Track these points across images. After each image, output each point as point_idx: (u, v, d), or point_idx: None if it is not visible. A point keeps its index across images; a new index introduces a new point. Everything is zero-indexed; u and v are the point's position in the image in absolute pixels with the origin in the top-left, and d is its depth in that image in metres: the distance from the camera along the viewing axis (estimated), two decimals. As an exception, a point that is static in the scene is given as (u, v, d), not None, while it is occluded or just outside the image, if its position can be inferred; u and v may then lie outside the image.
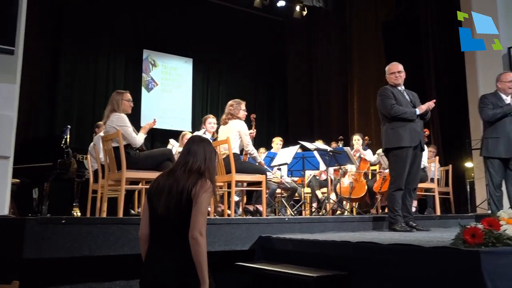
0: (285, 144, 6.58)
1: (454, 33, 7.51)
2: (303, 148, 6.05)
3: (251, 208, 4.60)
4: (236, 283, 3.30)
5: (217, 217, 4.25)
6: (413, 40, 8.47)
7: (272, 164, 5.49)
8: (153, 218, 2.15)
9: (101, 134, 4.47)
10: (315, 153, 5.66)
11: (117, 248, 2.91)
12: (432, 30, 8.13)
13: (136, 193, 4.57)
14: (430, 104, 4.23)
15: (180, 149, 5.10)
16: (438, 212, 5.84)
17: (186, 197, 2.06)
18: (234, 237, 3.31)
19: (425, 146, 6.06)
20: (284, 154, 5.40)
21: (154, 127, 9.09)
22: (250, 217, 4.12)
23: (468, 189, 7.40)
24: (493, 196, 4.46)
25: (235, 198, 5.09)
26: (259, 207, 4.49)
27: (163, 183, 2.15)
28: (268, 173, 5.95)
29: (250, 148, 4.54)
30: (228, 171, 4.30)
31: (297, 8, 9.90)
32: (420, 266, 2.31)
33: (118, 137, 3.79)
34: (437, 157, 6.27)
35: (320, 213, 5.64)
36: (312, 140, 6.73)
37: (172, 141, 5.45)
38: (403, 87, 4.38)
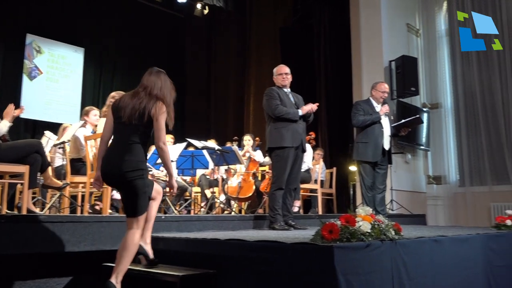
0: (178, 142, 6.43)
1: (344, 43, 8.07)
2: (195, 146, 5.96)
3: (130, 206, 4.38)
4: (103, 285, 3.14)
5: (85, 214, 3.99)
6: (307, 48, 8.83)
7: (158, 162, 5.30)
8: (117, 125, 2.80)
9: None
10: (205, 152, 5.59)
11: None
12: (324, 39, 8.55)
13: (-1, 188, 4.11)
14: (313, 106, 4.37)
15: (56, 142, 4.70)
16: (321, 212, 6.11)
17: (147, 114, 2.73)
18: (103, 236, 3.11)
19: (311, 149, 6.37)
20: (170, 151, 5.21)
21: (37, 119, 8.52)
22: (126, 215, 3.92)
23: (351, 191, 7.89)
24: (365, 197, 4.77)
25: (116, 195, 4.84)
26: (139, 205, 4.29)
27: (128, 100, 2.80)
28: (155, 171, 5.76)
29: None
30: (106, 167, 4.05)
31: (198, 6, 9.79)
32: (281, 261, 2.35)
33: (-27, 125, 3.37)
34: (321, 159, 6.56)
35: (207, 213, 5.58)
36: (207, 140, 6.66)
37: (48, 133, 5.01)
38: (289, 89, 4.50)
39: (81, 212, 4.49)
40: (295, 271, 2.28)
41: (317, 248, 2.19)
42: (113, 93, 4.48)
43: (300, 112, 4.28)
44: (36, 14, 8.77)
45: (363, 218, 2.43)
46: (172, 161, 5.12)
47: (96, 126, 4.81)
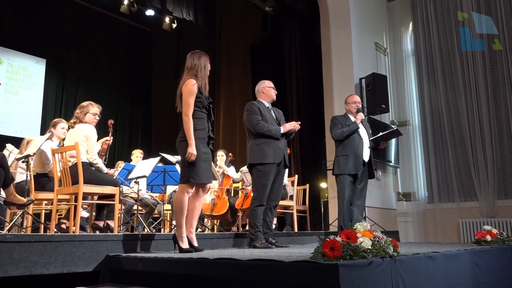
0: (147, 158, 6.16)
1: (314, 60, 8.09)
2: (165, 161, 5.71)
3: (101, 224, 4.09)
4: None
5: (55, 233, 3.67)
6: (278, 64, 8.81)
7: (130, 177, 5.02)
8: None
9: None
10: (177, 167, 5.36)
11: None
12: (295, 56, 8.56)
13: None
14: (296, 125, 4.26)
15: (19, 156, 4.35)
16: (296, 230, 5.97)
17: (180, 93, 3.36)
18: (76, 257, 2.83)
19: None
20: (143, 166, 4.97)
21: (-5, 132, 7.96)
22: (98, 233, 3.64)
23: (322, 208, 7.82)
24: (342, 212, 4.68)
25: (83, 213, 4.52)
26: (111, 223, 4.02)
27: None
28: (124, 187, 5.46)
29: (93, 155, 4.06)
30: (76, 182, 3.77)
31: (167, 19, 9.60)
32: (280, 281, 2.18)
33: None
34: (296, 176, 6.44)
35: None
36: (176, 155, 6.42)
37: (9, 146, 4.64)
38: (270, 104, 4.39)
39: (45, 231, 4.15)
40: (295, 292, 2.11)
41: (320, 267, 2.03)
42: (81, 103, 4.26)
43: (282, 130, 4.16)
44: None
45: (363, 234, 2.31)
46: (144, 176, 4.90)
47: (63, 139, 4.51)
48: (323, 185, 7.97)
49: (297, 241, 4.75)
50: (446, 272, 2.88)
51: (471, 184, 7.03)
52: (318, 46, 7.83)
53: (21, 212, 3.91)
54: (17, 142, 5.43)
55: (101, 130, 4.29)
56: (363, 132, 4.85)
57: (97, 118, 4.29)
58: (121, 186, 4.74)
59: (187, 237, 3.31)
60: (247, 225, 4.29)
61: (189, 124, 3.23)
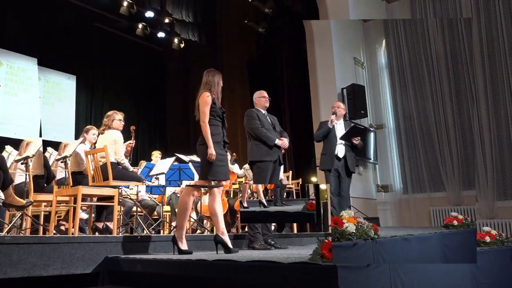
0: (164, 157, 5.74)
1: (303, 72, 7.66)
2: (180, 160, 5.28)
3: (100, 225, 3.58)
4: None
5: (54, 235, 3.15)
6: (272, 76, 8.48)
7: (151, 174, 4.69)
8: None
9: None
10: (190, 165, 4.95)
11: None
12: (286, 69, 8.27)
13: None
14: (286, 146, 3.93)
15: (18, 157, 3.80)
16: (295, 231, 5.37)
17: (197, 104, 3.21)
18: (75, 259, 2.35)
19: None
20: (161, 164, 4.70)
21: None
22: (97, 235, 3.12)
23: (322, 210, 7.32)
24: (333, 202, 4.35)
25: (83, 215, 4.02)
26: (110, 224, 3.52)
27: None
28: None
29: (121, 156, 3.85)
30: (106, 178, 3.51)
31: (175, 40, 9.20)
32: (279, 283, 1.74)
33: None
34: (291, 172, 5.91)
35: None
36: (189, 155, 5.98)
37: (8, 147, 4.05)
38: (266, 111, 4.08)
39: (44, 233, 3.62)
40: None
41: (319, 268, 1.58)
42: (108, 112, 4.03)
43: (277, 141, 3.85)
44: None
45: (348, 220, 2.07)
46: (163, 173, 4.49)
47: (94, 143, 4.24)
48: (313, 179, 7.51)
49: (296, 242, 4.18)
50: (445, 274, 2.42)
51: (439, 177, 6.86)
52: (305, 61, 7.45)
53: (20, 213, 3.40)
54: (16, 143, 4.53)
55: (125, 135, 4.11)
56: (339, 132, 4.59)
57: (123, 123, 4.08)
58: (144, 181, 4.42)
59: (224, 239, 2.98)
60: (246, 227, 3.81)
61: (206, 129, 3.11)
